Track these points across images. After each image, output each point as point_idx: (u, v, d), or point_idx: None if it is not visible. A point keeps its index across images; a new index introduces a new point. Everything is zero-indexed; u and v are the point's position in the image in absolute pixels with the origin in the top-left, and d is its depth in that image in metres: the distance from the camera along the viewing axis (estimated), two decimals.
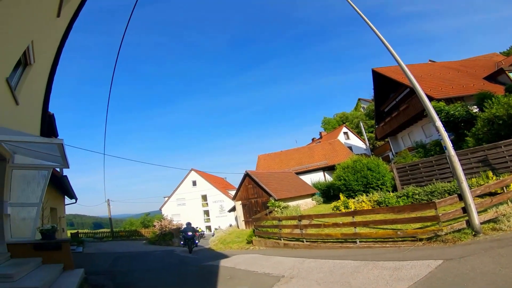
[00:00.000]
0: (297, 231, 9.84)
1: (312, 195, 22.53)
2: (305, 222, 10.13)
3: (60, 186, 12.80)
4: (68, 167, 6.37)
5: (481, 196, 7.88)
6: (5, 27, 4.65)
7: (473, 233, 5.64)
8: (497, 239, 4.98)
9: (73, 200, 16.07)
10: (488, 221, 6.04)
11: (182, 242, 15.28)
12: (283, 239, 10.23)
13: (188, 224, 15.91)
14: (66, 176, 12.54)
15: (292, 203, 18.10)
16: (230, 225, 26.67)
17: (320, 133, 45.86)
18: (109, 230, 31.36)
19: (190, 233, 14.58)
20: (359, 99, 54.51)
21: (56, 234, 6.35)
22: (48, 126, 9.87)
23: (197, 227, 29.19)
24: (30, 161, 6.44)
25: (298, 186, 22.77)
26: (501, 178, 8.68)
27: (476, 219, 5.75)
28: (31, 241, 5.81)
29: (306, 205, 20.38)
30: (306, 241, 9.14)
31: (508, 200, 6.69)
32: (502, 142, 10.05)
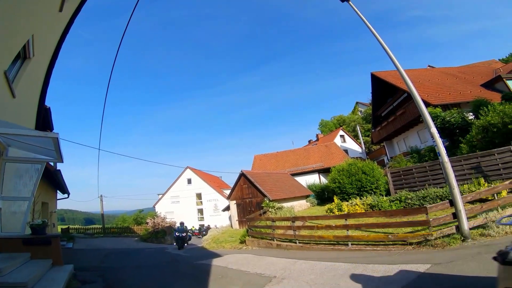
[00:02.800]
0: (290, 232, 9.87)
1: (306, 196, 22.61)
2: (298, 223, 10.17)
3: (53, 181, 12.67)
4: (62, 161, 6.34)
5: (472, 202, 7.99)
6: (8, 20, 4.62)
7: (462, 238, 5.72)
8: (485, 245, 5.06)
9: (65, 195, 15.91)
10: (478, 227, 6.14)
11: (174, 243, 16.02)
12: (276, 239, 10.26)
13: (181, 224, 16.48)
14: (59, 170, 12.41)
15: (286, 204, 18.14)
16: (216, 226, 26.79)
17: (317, 135, 46.03)
18: (100, 226, 31.11)
19: (180, 234, 15.38)
20: (357, 103, 54.81)
21: (47, 229, 6.30)
22: (44, 120, 9.79)
23: (192, 228, 29.35)
24: (23, 154, 6.38)
25: (293, 188, 22.83)
26: (492, 185, 8.81)
27: (466, 225, 5.84)
28: (21, 236, 5.76)
29: (300, 206, 20.45)
30: (299, 243, 9.17)
31: (498, 207, 6.79)
32: (495, 149, 10.19)
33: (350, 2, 8.85)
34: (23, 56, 6.37)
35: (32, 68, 6.83)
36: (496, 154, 10.11)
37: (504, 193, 8.05)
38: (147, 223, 24.38)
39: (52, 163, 10.64)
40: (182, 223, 16.72)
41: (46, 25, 6.67)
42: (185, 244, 16.13)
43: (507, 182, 7.60)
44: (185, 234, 15.79)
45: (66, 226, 31.72)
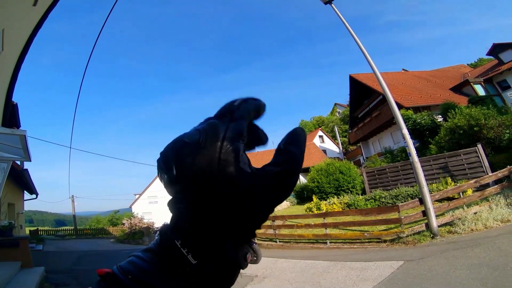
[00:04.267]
0: (271, 231, 10.00)
1: None
2: (278, 222, 10.32)
3: (20, 180, 11.92)
4: (30, 160, 6.00)
5: (440, 200, 8.49)
6: None
7: (431, 235, 6.11)
8: (452, 242, 5.45)
9: (34, 196, 15.04)
10: (445, 224, 6.57)
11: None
12: (257, 239, 10.34)
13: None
14: (26, 169, 11.70)
15: None
16: None
17: None
18: (72, 227, 29.65)
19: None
20: (335, 104, 56.21)
21: (14, 231, 5.96)
22: (11, 116, 9.18)
23: None
24: None
25: None
26: (458, 184, 9.43)
27: (434, 222, 6.24)
28: None
29: (280, 205, 20.70)
30: (279, 241, 9.32)
31: (464, 205, 7.30)
32: (461, 150, 10.91)
33: (332, 4, 9.08)
34: None
35: (1, 63, 6.40)
36: (462, 155, 10.84)
37: (469, 192, 8.64)
38: (123, 224, 23.54)
39: (19, 162, 10.00)
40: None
41: (18, 19, 6.26)
42: None
43: (472, 181, 8.13)
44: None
45: (35, 228, 29.89)
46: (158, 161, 0.33)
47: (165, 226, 0.32)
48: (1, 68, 6.64)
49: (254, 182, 0.30)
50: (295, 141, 0.34)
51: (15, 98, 8.71)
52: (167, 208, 0.34)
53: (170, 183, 0.33)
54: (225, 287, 0.31)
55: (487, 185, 8.39)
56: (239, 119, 0.33)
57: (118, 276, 0.28)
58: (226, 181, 0.29)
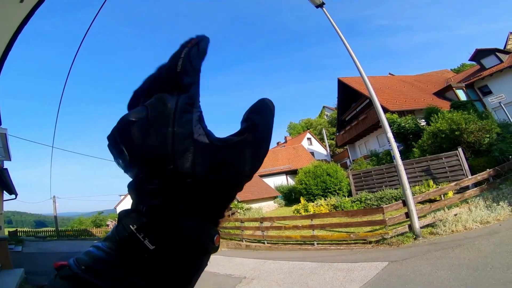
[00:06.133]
0: (259, 232, 10.02)
1: (274, 198, 23.02)
2: (267, 224, 10.36)
3: None
4: (10, 160, 5.79)
5: (422, 202, 8.76)
6: None
7: (414, 236, 6.31)
8: (434, 243, 5.65)
9: (13, 196, 14.43)
10: (427, 226, 6.80)
11: None
12: (245, 240, 10.34)
13: None
14: (6, 169, 11.21)
15: (254, 205, 18.32)
16: None
17: (285, 137, 47.00)
18: (53, 229, 28.64)
19: None
20: (323, 107, 56.93)
21: None
22: None
23: None
24: None
25: (261, 189, 23.09)
26: (440, 186, 9.78)
27: (417, 224, 6.45)
28: None
29: (269, 207, 20.78)
30: (268, 243, 9.35)
31: (445, 207, 7.57)
32: (443, 154, 11.32)
33: (323, 8, 9.23)
34: None
35: None
36: (443, 158, 11.24)
37: (450, 194, 8.97)
38: (107, 225, 23.05)
39: None
40: None
41: (3, 16, 6.02)
42: None
43: (452, 183, 8.45)
44: None
45: (14, 229, 28.72)
46: (108, 146, 0.30)
47: (123, 211, 0.30)
48: None
49: (212, 154, 0.28)
50: (258, 110, 0.32)
51: None
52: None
53: (127, 167, 0.30)
54: (191, 273, 0.28)
55: (467, 188, 8.74)
56: (189, 86, 0.30)
57: (71, 268, 0.26)
58: (182, 156, 0.27)
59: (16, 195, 14.44)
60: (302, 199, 15.22)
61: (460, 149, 10.79)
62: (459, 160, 10.79)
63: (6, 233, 21.88)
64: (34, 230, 31.37)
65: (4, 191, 13.85)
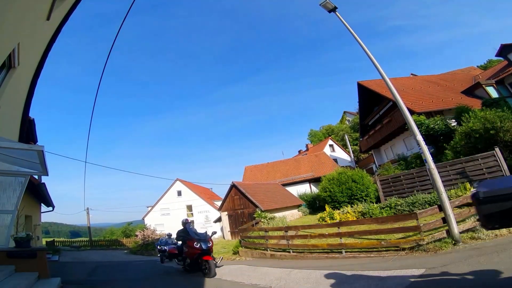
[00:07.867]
0: (284, 241, 9.79)
1: (298, 206, 22.60)
2: (291, 233, 10.11)
3: (37, 194, 12.22)
4: (47, 175, 6.13)
5: (459, 206, 8.16)
6: None
7: (453, 242, 5.84)
8: (476, 248, 5.18)
9: (50, 208, 15.37)
10: (467, 231, 6.28)
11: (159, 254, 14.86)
12: (270, 249, 10.14)
13: (169, 235, 15.45)
14: (44, 183, 12.00)
15: (278, 214, 18.06)
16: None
17: (307, 145, 46.43)
18: (87, 239, 30.00)
19: (162, 247, 14.17)
20: (344, 112, 55.95)
21: (31, 242, 6.08)
22: (28, 131, 9.51)
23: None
24: (7, 167, 6.14)
25: (284, 198, 22.80)
26: None
27: (456, 229, 5.97)
28: (5, 248, 5.54)
29: (292, 216, 20.40)
30: (293, 252, 9.10)
31: None
32: (479, 155, 10.56)
33: (337, 12, 9.13)
34: (8, 65, 6.20)
35: (17, 78, 6.65)
36: (480, 159, 10.48)
37: None
38: (136, 235, 23.72)
39: (36, 176, 10.28)
40: (169, 235, 15.76)
41: (32, 34, 6.56)
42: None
43: None
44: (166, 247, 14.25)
45: (51, 239, 30.44)
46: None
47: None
48: (17, 83, 6.89)
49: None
50: None
51: (31, 114, 9.06)
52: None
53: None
54: None
55: None
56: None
57: None
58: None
59: (53, 207, 15.37)
60: (327, 207, 14.77)
61: (497, 149, 10.03)
62: (497, 160, 10.00)
63: (44, 243, 23.28)
64: (70, 240, 33.06)
65: (42, 204, 14.81)
